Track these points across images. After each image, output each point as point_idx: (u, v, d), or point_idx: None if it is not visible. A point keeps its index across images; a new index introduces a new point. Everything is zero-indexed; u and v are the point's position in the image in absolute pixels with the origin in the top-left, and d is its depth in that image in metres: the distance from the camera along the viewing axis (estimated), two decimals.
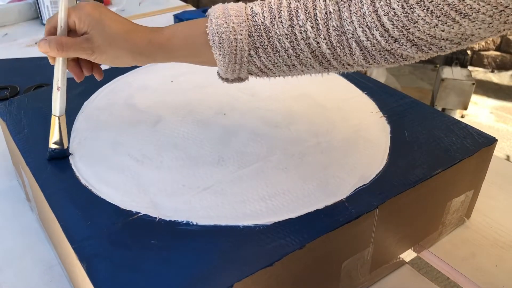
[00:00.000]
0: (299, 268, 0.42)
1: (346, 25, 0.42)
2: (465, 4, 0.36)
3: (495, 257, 0.55)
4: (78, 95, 0.65)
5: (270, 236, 0.42)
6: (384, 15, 0.40)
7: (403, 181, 0.48)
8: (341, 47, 0.42)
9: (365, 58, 0.43)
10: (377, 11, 0.40)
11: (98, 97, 0.65)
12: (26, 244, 0.57)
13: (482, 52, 2.75)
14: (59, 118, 0.50)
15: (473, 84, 1.97)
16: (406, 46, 0.41)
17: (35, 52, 1.07)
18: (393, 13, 0.39)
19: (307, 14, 0.42)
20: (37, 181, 0.49)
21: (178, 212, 0.45)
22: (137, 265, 0.39)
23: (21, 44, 1.12)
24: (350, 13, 0.41)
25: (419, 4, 0.38)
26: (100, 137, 0.56)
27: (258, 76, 0.48)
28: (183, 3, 1.42)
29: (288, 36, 0.43)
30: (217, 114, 0.60)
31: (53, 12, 1.20)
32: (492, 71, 2.76)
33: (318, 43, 0.43)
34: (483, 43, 2.71)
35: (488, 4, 0.36)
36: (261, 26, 0.44)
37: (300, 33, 0.43)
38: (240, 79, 0.50)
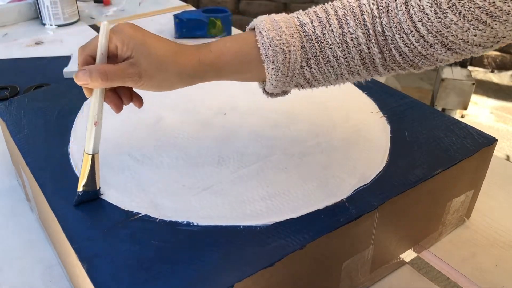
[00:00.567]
0: (300, 268, 0.42)
1: (386, 31, 0.42)
2: (496, 7, 0.36)
3: (495, 257, 0.56)
4: (77, 94, 0.65)
5: (271, 236, 0.42)
6: (418, 21, 0.40)
7: (403, 181, 0.48)
8: (386, 52, 0.42)
9: (405, 62, 0.43)
10: (411, 17, 0.40)
11: None
12: (26, 244, 0.57)
13: None
14: (93, 156, 0.45)
15: (473, 84, 1.97)
16: (441, 50, 0.41)
17: (35, 52, 1.07)
18: (426, 19, 0.39)
19: (356, 21, 0.42)
20: (37, 181, 0.49)
21: (179, 212, 0.45)
22: (138, 266, 0.39)
23: (21, 44, 1.12)
24: (389, 19, 0.41)
25: (451, 9, 0.38)
26: (100, 137, 0.56)
27: (303, 87, 0.47)
28: (183, 3, 1.42)
29: (340, 44, 0.43)
30: (217, 114, 0.60)
31: (53, 12, 1.20)
32: (492, 71, 2.76)
33: (369, 48, 0.42)
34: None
35: None
36: (313, 36, 0.43)
37: (352, 40, 0.42)
38: (284, 93, 0.49)
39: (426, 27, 0.40)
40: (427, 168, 0.50)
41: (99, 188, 0.46)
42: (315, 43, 0.43)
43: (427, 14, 0.39)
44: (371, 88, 0.67)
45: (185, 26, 1.14)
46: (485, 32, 0.38)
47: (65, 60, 0.98)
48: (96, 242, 0.41)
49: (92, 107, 0.44)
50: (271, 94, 0.49)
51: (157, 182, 0.49)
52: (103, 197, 0.47)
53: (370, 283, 0.52)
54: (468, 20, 0.38)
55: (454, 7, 0.38)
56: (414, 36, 0.41)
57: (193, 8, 1.37)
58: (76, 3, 1.26)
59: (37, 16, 1.26)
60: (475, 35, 0.39)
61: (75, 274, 0.44)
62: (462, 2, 0.37)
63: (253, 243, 0.41)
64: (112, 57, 0.43)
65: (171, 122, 0.59)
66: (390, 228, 0.49)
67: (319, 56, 0.43)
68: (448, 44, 0.41)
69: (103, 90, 0.44)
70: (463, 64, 2.09)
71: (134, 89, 0.48)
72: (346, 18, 0.43)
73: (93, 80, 0.41)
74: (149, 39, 0.43)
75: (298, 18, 0.45)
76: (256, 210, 0.45)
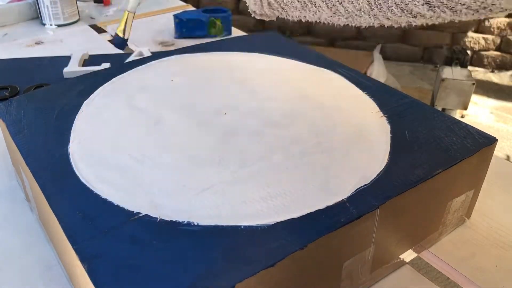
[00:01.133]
0: (301, 268, 0.42)
1: None
2: None
3: (495, 257, 0.56)
4: (77, 94, 0.65)
5: (271, 237, 0.42)
6: None
7: (404, 181, 0.48)
8: None
9: (371, 7, 0.40)
10: None
11: (97, 96, 0.65)
12: (25, 244, 0.57)
13: (482, 52, 2.75)
14: (128, 13, 0.58)
15: (473, 84, 1.97)
16: (417, 1, 0.38)
17: (35, 52, 1.07)
18: None
19: None
20: (37, 182, 0.49)
21: (179, 212, 0.45)
22: (139, 266, 0.39)
23: (21, 44, 1.12)
24: None
25: None
26: (100, 137, 0.56)
27: (282, 14, 0.47)
28: (183, 3, 1.42)
29: None
30: (217, 114, 0.60)
31: (53, 12, 1.20)
32: (492, 71, 2.76)
33: None
34: (483, 43, 2.71)
35: None
36: None
37: None
38: (266, 16, 0.50)
39: None
40: (428, 168, 0.50)
41: (127, 39, 0.60)
42: None
43: None
44: (371, 88, 0.67)
45: (185, 26, 1.14)
46: None
47: (65, 60, 0.98)
48: (97, 243, 0.41)
49: None
50: (254, 12, 0.50)
51: (157, 182, 0.49)
52: (103, 197, 0.47)
53: (371, 283, 0.52)
54: None
55: None
56: None
57: (193, 8, 1.37)
58: (76, 3, 1.26)
59: (37, 16, 1.26)
60: None
61: (76, 275, 0.44)
62: None
63: (254, 243, 0.41)
64: None
65: (171, 122, 0.58)
66: (391, 228, 0.49)
67: None
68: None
69: None
70: (463, 64, 2.09)
71: None
72: None
73: None
74: None
75: None
76: (257, 210, 0.45)
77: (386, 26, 0.42)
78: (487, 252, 0.56)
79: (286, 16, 0.47)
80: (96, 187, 0.48)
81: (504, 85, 2.61)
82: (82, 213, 0.44)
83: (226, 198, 0.46)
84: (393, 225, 0.49)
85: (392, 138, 0.56)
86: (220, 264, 0.39)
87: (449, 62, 2.09)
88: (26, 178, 0.55)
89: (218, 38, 1.15)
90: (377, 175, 0.49)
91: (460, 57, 2.08)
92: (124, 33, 0.66)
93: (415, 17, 0.39)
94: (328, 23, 0.44)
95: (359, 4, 0.40)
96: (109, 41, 0.60)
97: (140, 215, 0.44)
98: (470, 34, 2.65)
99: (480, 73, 2.70)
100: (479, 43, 2.68)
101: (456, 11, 0.38)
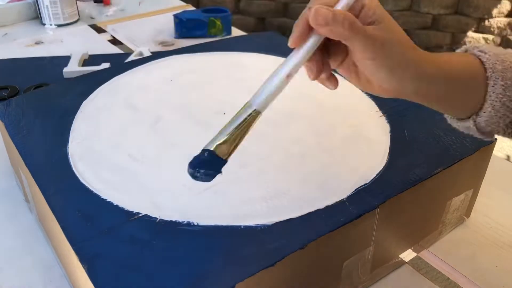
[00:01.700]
0: (300, 268, 0.42)
1: None
2: None
3: (495, 257, 0.56)
4: (77, 94, 0.65)
5: (271, 236, 0.42)
6: None
7: (403, 180, 0.48)
8: None
9: None
10: None
11: (97, 96, 0.65)
12: (25, 244, 0.57)
13: None
14: (256, 114, 0.34)
15: None
16: None
17: (35, 52, 1.07)
18: None
19: None
20: (37, 182, 0.49)
21: (179, 212, 0.45)
22: (139, 266, 0.39)
23: (21, 44, 1.11)
24: None
25: None
26: (100, 137, 0.56)
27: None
28: (183, 3, 1.42)
29: None
30: (217, 114, 0.60)
31: (53, 12, 1.20)
32: None
33: None
34: (483, 42, 2.71)
35: None
36: None
37: None
38: (490, 134, 0.42)
39: None
40: (427, 167, 0.50)
41: (227, 160, 0.34)
42: None
43: None
44: None
45: (185, 26, 1.14)
46: None
47: (65, 60, 0.98)
48: (97, 243, 0.41)
49: (293, 59, 0.37)
50: (482, 133, 0.41)
51: (157, 182, 0.49)
52: (103, 197, 0.47)
53: (370, 283, 0.52)
54: None
55: None
56: None
57: (193, 8, 1.37)
58: (76, 3, 1.26)
59: (37, 16, 1.26)
60: None
61: (76, 275, 0.44)
62: None
63: (254, 243, 0.41)
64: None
65: (171, 122, 0.58)
66: (391, 228, 0.49)
67: None
68: None
69: (316, 44, 0.36)
70: None
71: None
72: None
73: (335, 21, 0.34)
74: (394, 25, 0.37)
75: None
76: (257, 210, 0.45)
77: None
78: (487, 252, 0.56)
79: None
80: (96, 187, 0.48)
81: None
82: (81, 213, 0.44)
83: (226, 198, 0.46)
84: (392, 225, 0.49)
85: (391, 137, 0.56)
86: (220, 264, 0.39)
87: None
88: (25, 179, 0.55)
89: (218, 38, 1.15)
90: (377, 174, 0.49)
91: None
92: (227, 151, 0.36)
93: None
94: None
95: None
96: (189, 164, 0.38)
97: (140, 215, 0.44)
98: (470, 34, 2.65)
99: None
100: (479, 43, 2.68)
101: None
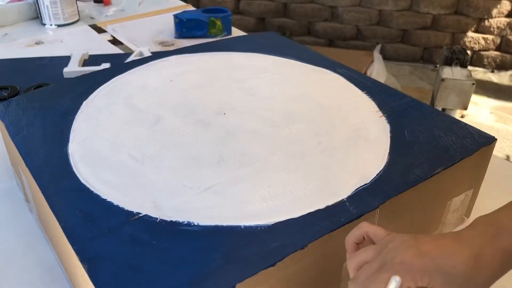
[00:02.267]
0: (301, 268, 0.42)
1: None
2: None
3: None
4: (77, 94, 0.65)
5: (272, 236, 0.42)
6: None
7: (403, 180, 0.48)
8: None
9: None
10: None
11: (97, 96, 0.65)
12: (25, 245, 0.57)
13: (482, 52, 2.75)
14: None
15: (473, 84, 1.97)
16: None
17: (35, 52, 1.07)
18: None
19: None
20: (37, 182, 0.49)
21: (179, 212, 0.45)
22: (139, 266, 0.39)
23: (21, 44, 1.11)
24: None
25: None
26: (100, 137, 0.56)
27: None
28: (183, 3, 1.42)
29: None
30: (217, 114, 0.60)
31: (53, 12, 1.20)
32: (492, 71, 2.76)
33: None
34: (483, 43, 2.71)
35: None
36: None
37: None
38: None
39: None
40: (427, 168, 0.50)
41: None
42: None
43: None
44: (371, 88, 0.67)
45: (185, 26, 1.14)
46: None
47: (65, 60, 0.98)
48: (97, 243, 0.41)
49: None
50: None
51: (157, 182, 0.49)
52: (103, 197, 0.47)
53: None
54: None
55: None
56: None
57: (193, 8, 1.37)
58: (76, 3, 1.26)
59: (37, 16, 1.26)
60: None
61: (76, 275, 0.44)
62: None
63: (254, 243, 0.41)
64: None
65: (171, 122, 0.58)
66: (391, 228, 0.49)
67: None
68: None
69: None
70: (463, 64, 2.09)
71: None
72: None
73: None
74: (441, 260, 0.35)
75: None
76: (257, 210, 0.45)
77: None
78: None
79: None
80: (96, 187, 0.48)
81: (504, 85, 2.60)
82: (82, 213, 0.44)
83: (226, 198, 0.46)
84: (392, 225, 0.49)
85: (391, 137, 0.56)
86: (220, 264, 0.39)
87: (449, 62, 2.09)
88: (26, 179, 0.55)
89: (218, 38, 1.15)
90: (377, 174, 0.49)
91: (460, 57, 2.07)
92: None
93: None
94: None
95: None
96: None
97: (140, 215, 0.44)
98: (470, 34, 2.65)
99: (480, 73, 2.70)
100: (479, 43, 2.67)
101: None
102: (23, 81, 0.89)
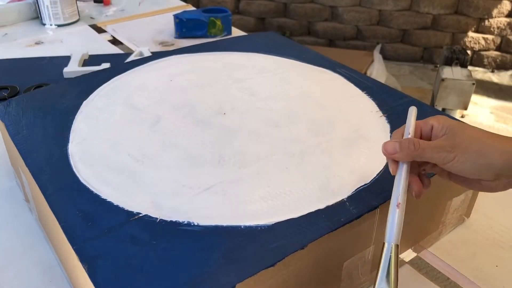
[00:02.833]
0: (301, 268, 0.42)
1: None
2: None
3: (495, 257, 0.55)
4: (76, 95, 0.65)
5: (272, 236, 0.42)
6: None
7: None
8: None
9: None
10: None
11: (97, 96, 0.65)
12: (25, 245, 0.57)
13: (482, 52, 2.75)
14: (396, 247, 0.38)
15: (473, 84, 1.97)
16: None
17: (35, 52, 1.07)
18: None
19: None
20: (37, 182, 0.49)
21: (179, 212, 0.45)
22: (139, 266, 0.39)
23: (21, 44, 1.12)
24: None
25: None
26: (100, 137, 0.56)
27: None
28: (183, 3, 1.42)
29: None
30: (217, 114, 0.60)
31: (53, 12, 1.20)
32: (492, 71, 2.76)
33: None
34: (483, 43, 2.71)
35: None
36: None
37: None
38: None
39: None
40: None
41: None
42: None
43: None
44: (370, 88, 0.67)
45: (185, 26, 1.14)
46: None
47: (65, 60, 0.98)
48: (97, 243, 0.41)
49: (395, 187, 0.41)
50: None
51: (157, 182, 0.49)
52: (103, 197, 0.47)
53: (371, 283, 0.52)
54: None
55: None
56: None
57: (193, 8, 1.37)
58: (76, 3, 1.26)
59: (37, 16, 1.26)
60: None
61: (76, 275, 0.44)
62: None
63: (254, 243, 0.41)
64: (425, 139, 0.43)
65: (171, 122, 0.58)
66: None
67: None
68: None
69: (408, 167, 0.42)
70: (463, 64, 2.09)
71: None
72: None
73: (402, 149, 0.41)
74: (465, 124, 0.42)
75: None
76: (257, 210, 0.45)
77: None
78: (487, 252, 0.56)
79: None
80: (96, 187, 0.48)
81: (504, 85, 2.61)
82: (82, 213, 0.44)
83: (226, 198, 0.46)
84: None
85: (391, 137, 0.55)
86: (220, 264, 0.39)
87: (449, 62, 2.09)
88: (26, 179, 0.55)
89: (218, 38, 1.15)
90: (377, 174, 0.49)
91: (460, 57, 2.07)
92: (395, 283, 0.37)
93: None
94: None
95: None
96: None
97: (140, 215, 0.44)
98: (470, 34, 2.65)
99: (480, 73, 2.70)
100: (479, 43, 2.68)
101: None
102: (23, 81, 0.89)
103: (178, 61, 0.76)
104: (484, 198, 0.61)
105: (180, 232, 0.42)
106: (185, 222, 0.43)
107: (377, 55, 2.50)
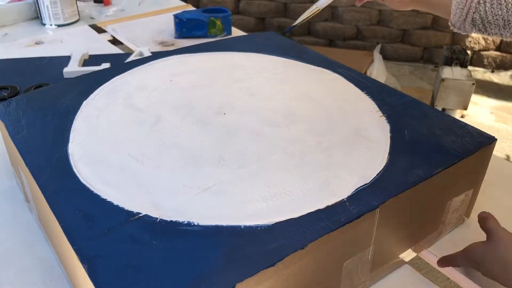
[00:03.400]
0: (301, 268, 0.42)
1: None
2: None
3: None
4: (76, 95, 0.65)
5: (272, 236, 0.42)
6: None
7: (403, 180, 0.48)
8: None
9: None
10: None
11: (97, 96, 0.65)
12: (25, 244, 0.57)
13: (482, 52, 2.75)
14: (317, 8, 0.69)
15: (473, 84, 1.97)
16: None
17: (35, 52, 1.07)
18: None
19: None
20: (37, 182, 0.49)
21: (179, 212, 0.45)
22: (139, 266, 0.39)
23: (21, 44, 1.12)
24: None
25: None
26: (100, 137, 0.56)
27: (479, 31, 0.51)
28: (183, 3, 1.42)
29: None
30: (217, 114, 0.60)
31: (53, 12, 1.20)
32: (492, 71, 2.76)
33: None
34: (483, 43, 2.71)
35: None
36: None
37: None
38: (464, 30, 0.54)
39: None
40: (427, 167, 0.50)
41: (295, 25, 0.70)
42: None
43: None
44: (371, 88, 0.67)
45: (185, 26, 1.14)
46: None
47: (65, 60, 0.98)
48: (97, 243, 0.41)
49: None
50: (453, 26, 0.54)
51: (157, 182, 0.49)
52: (103, 197, 0.47)
53: (370, 283, 0.52)
54: None
55: None
56: None
57: (193, 8, 1.37)
58: (76, 3, 1.26)
59: (37, 16, 1.26)
60: None
61: (76, 275, 0.44)
62: None
63: (254, 243, 0.41)
64: None
65: (171, 122, 0.58)
66: (391, 228, 0.49)
67: None
68: None
69: None
70: (463, 64, 2.09)
71: None
72: None
73: None
74: None
75: None
76: (257, 209, 0.45)
77: None
78: None
79: (483, 33, 0.51)
80: (96, 187, 0.48)
81: (504, 85, 2.60)
82: (82, 213, 0.44)
83: (226, 198, 0.46)
84: (393, 225, 0.49)
85: (391, 137, 0.56)
86: (220, 264, 0.39)
87: (449, 62, 2.09)
88: (26, 179, 0.55)
89: (218, 38, 1.15)
90: (377, 174, 0.49)
91: (460, 57, 2.07)
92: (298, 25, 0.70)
93: None
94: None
95: None
96: (287, 30, 0.74)
97: (140, 215, 0.44)
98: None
99: (480, 73, 2.70)
100: (479, 43, 2.67)
101: None
102: (23, 81, 0.89)
103: (178, 61, 0.76)
104: (484, 198, 0.61)
105: (180, 232, 0.42)
106: (185, 222, 0.43)
107: (377, 55, 2.49)
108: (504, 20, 0.48)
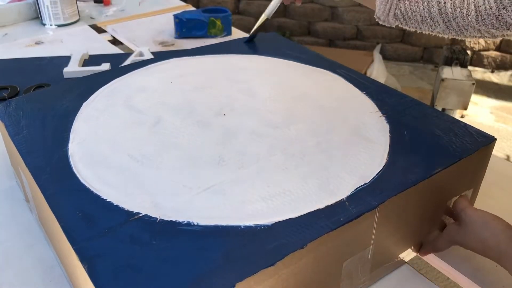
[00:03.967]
0: (300, 268, 0.42)
1: None
2: None
3: None
4: (76, 96, 0.65)
5: (271, 236, 0.42)
6: None
7: (403, 180, 0.48)
8: (460, 8, 0.46)
9: (477, 21, 0.46)
10: None
11: (97, 98, 0.65)
12: (25, 244, 0.57)
13: (482, 52, 2.75)
14: (266, 19, 0.82)
15: (473, 84, 1.97)
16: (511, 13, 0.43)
17: (35, 52, 1.07)
18: None
19: None
20: (37, 182, 0.49)
21: (179, 212, 0.45)
22: (139, 266, 0.39)
23: (21, 44, 1.12)
24: None
25: None
26: (100, 138, 0.56)
27: (401, 24, 0.53)
28: (183, 3, 1.42)
29: None
30: (217, 114, 0.60)
31: (53, 12, 1.20)
32: (492, 71, 2.76)
33: (445, 2, 0.47)
34: (483, 43, 2.71)
35: None
36: None
37: None
38: (388, 23, 0.55)
39: None
40: (427, 167, 0.50)
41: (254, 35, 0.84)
42: None
43: None
44: (370, 88, 0.67)
45: (185, 26, 1.14)
46: None
47: (65, 60, 0.98)
48: (97, 243, 0.41)
49: None
50: (379, 19, 0.55)
51: (157, 182, 0.49)
52: (103, 197, 0.47)
53: (370, 283, 0.52)
54: None
55: None
56: None
57: (193, 8, 1.37)
58: (76, 3, 1.26)
59: (37, 16, 1.26)
60: None
61: (76, 275, 0.44)
62: None
63: (254, 243, 0.41)
64: None
65: (171, 123, 0.59)
66: (390, 227, 0.49)
67: None
68: None
69: None
70: (463, 64, 2.09)
71: None
72: None
73: None
74: None
75: None
76: (257, 209, 0.45)
77: (485, 38, 0.49)
78: None
79: (405, 26, 0.53)
80: (96, 188, 0.48)
81: (504, 85, 2.61)
82: (82, 213, 0.44)
83: (226, 198, 0.46)
84: (392, 225, 0.49)
85: (391, 137, 0.56)
86: (220, 264, 0.39)
87: (449, 62, 2.09)
88: (26, 179, 0.55)
89: (218, 38, 1.15)
90: (377, 174, 0.49)
91: (460, 57, 2.07)
92: (255, 34, 0.82)
93: (509, 29, 0.46)
94: (435, 35, 0.53)
95: (469, 20, 0.47)
96: (248, 39, 0.84)
97: (140, 215, 0.44)
98: None
99: (480, 73, 2.70)
100: (479, 43, 2.68)
101: None
102: (23, 81, 0.89)
103: (178, 64, 0.76)
104: (484, 198, 0.61)
105: (180, 232, 0.42)
106: (185, 222, 0.43)
107: (377, 55, 2.50)
108: (422, 16, 0.50)
